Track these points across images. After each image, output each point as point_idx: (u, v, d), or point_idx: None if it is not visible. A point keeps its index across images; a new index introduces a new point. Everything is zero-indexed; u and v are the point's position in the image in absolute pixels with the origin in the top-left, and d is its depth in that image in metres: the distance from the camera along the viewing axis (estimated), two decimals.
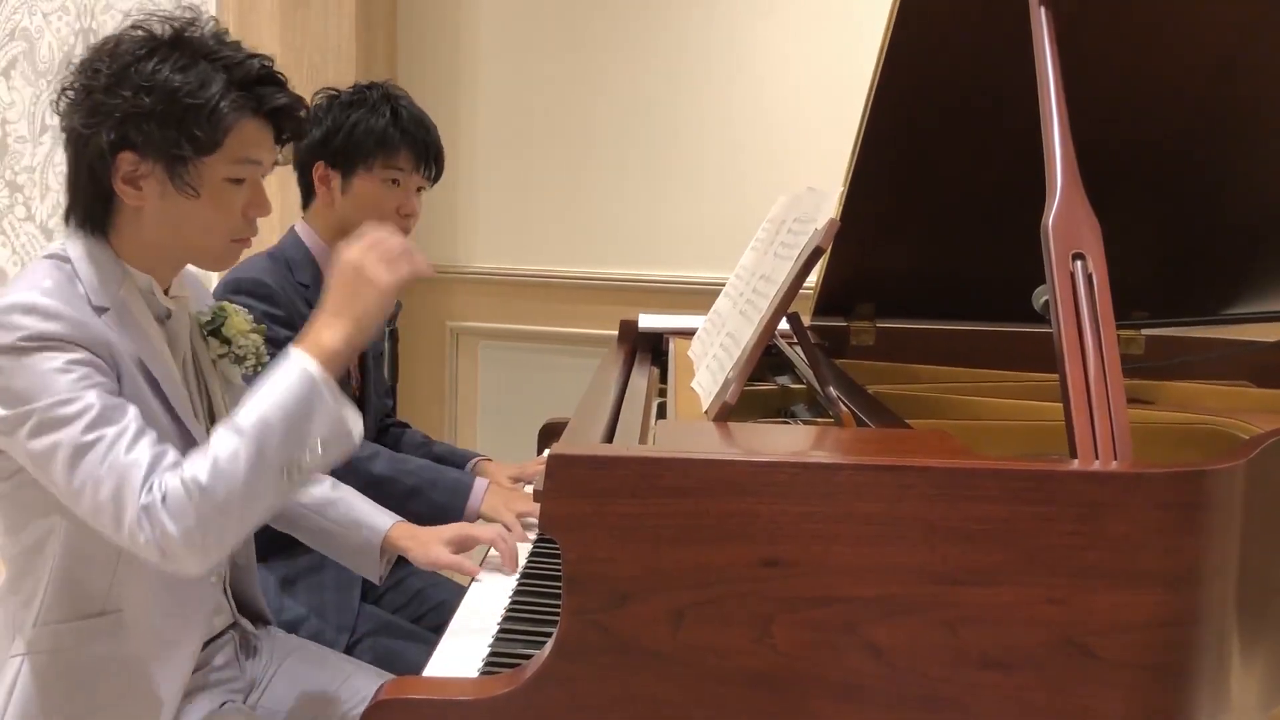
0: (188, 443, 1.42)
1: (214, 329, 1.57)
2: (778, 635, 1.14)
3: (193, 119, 1.34)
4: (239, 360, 1.59)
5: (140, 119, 1.33)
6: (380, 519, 1.75)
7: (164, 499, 1.24)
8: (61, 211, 1.46)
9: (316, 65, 3.28)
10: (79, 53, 1.42)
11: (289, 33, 3.29)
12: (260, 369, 1.59)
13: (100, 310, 1.36)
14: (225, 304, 1.60)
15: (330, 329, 1.31)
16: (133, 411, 1.31)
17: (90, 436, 1.26)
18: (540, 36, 3.46)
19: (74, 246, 1.40)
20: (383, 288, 1.33)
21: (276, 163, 1.48)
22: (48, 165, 2.83)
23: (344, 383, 2.12)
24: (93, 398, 1.28)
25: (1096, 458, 1.18)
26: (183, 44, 1.37)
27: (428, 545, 1.71)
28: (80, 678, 1.41)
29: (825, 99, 3.17)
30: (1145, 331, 2.33)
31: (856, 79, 1.99)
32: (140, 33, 1.38)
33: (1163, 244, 2.15)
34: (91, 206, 1.40)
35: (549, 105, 3.47)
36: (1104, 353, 1.23)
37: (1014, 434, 1.76)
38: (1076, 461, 1.18)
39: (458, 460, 2.28)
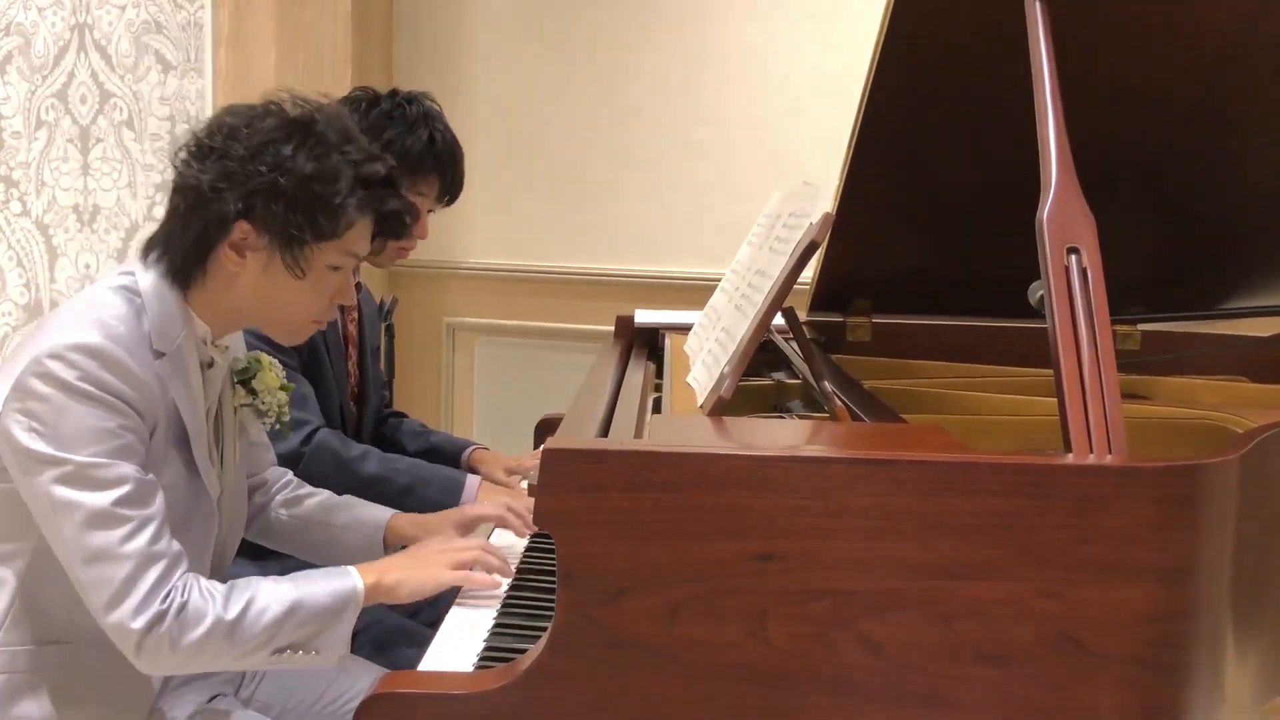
0: (198, 491, 1.45)
1: (244, 379, 1.59)
2: (772, 630, 1.14)
3: (320, 208, 1.39)
4: (260, 414, 1.60)
5: (271, 195, 1.38)
6: (377, 513, 1.75)
7: (183, 607, 1.31)
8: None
9: (312, 63, 3.28)
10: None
11: (284, 31, 3.28)
12: (281, 425, 1.63)
13: (158, 355, 1.39)
14: (261, 355, 1.62)
15: (391, 573, 1.44)
16: (160, 498, 1.35)
17: (120, 511, 1.30)
18: (536, 33, 3.46)
19: (146, 281, 1.42)
20: (435, 576, 1.47)
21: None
22: (43, 161, 2.83)
23: (343, 379, 2.12)
24: (130, 472, 1.32)
25: (1091, 452, 1.18)
26: (315, 133, 1.41)
27: (436, 531, 1.71)
28: (38, 704, 1.39)
29: (821, 95, 3.17)
30: (1141, 326, 2.33)
31: (852, 75, 1.99)
32: (275, 112, 1.42)
33: (1159, 238, 2.15)
34: (187, 260, 1.42)
35: (545, 102, 3.47)
36: (1098, 347, 1.23)
37: (1009, 429, 1.76)
38: (1071, 456, 1.18)
39: (454, 448, 2.27)
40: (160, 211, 1.53)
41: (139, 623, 1.28)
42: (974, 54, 1.77)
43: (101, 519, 1.29)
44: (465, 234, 3.57)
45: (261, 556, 1.87)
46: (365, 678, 1.67)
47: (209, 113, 3.09)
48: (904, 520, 1.13)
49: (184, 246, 1.42)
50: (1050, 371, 1.25)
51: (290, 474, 1.81)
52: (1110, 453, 1.18)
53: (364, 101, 2.08)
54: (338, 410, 2.09)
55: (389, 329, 2.61)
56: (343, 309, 2.13)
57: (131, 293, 1.41)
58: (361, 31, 3.36)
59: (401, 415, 2.40)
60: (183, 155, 1.43)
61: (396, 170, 1.50)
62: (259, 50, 3.21)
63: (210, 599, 1.32)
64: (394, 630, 2.02)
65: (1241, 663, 1.31)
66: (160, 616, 1.29)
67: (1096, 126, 1.61)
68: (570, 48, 3.43)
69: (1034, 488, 1.12)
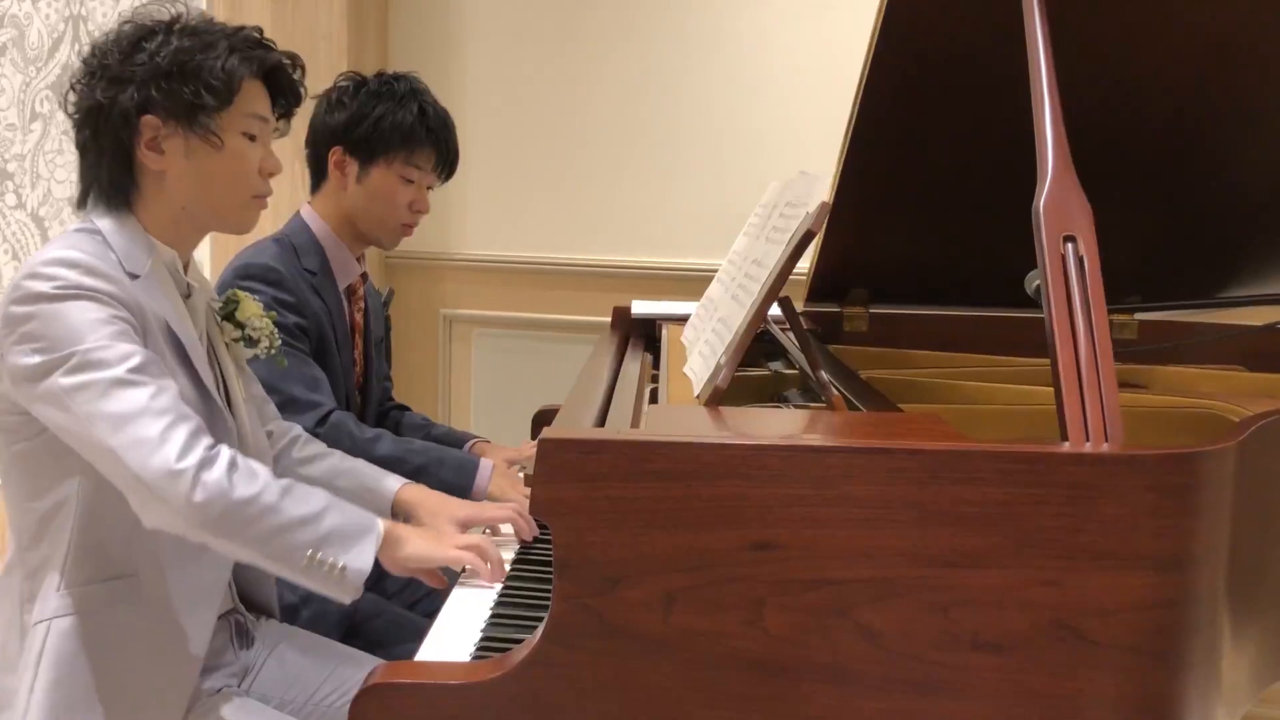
0: (211, 409, 1.47)
1: (227, 314, 1.63)
2: (769, 619, 1.14)
3: (207, 73, 1.44)
4: (253, 343, 1.64)
5: (159, 78, 1.42)
6: (389, 481, 1.77)
7: (234, 461, 1.33)
8: (73, 199, 1.52)
9: (307, 52, 3.23)
10: (68, 39, 1.47)
11: (280, 19, 3.28)
12: (273, 352, 1.66)
13: (133, 277, 1.42)
14: (236, 290, 1.66)
15: (408, 537, 1.48)
16: (171, 379, 1.38)
17: (136, 377, 1.32)
18: (532, 23, 3.45)
19: (100, 220, 1.45)
20: (439, 550, 1.51)
21: (278, 130, 1.57)
22: (38, 152, 2.82)
23: (350, 367, 2.13)
24: (135, 348, 1.35)
25: (1088, 441, 1.18)
26: (179, 24, 1.47)
27: (437, 517, 1.72)
28: (107, 641, 1.42)
29: (817, 84, 3.16)
30: (1138, 315, 2.33)
31: (848, 64, 1.99)
32: (134, 23, 1.47)
33: (1156, 227, 2.15)
34: (115, 179, 1.46)
35: (541, 92, 3.46)
36: (1095, 336, 1.23)
37: (1007, 418, 1.76)
38: (1068, 444, 1.18)
39: (455, 442, 2.27)
40: None
41: (188, 460, 1.29)
42: (970, 42, 1.76)
43: (120, 385, 1.31)
44: (461, 225, 3.56)
45: None
46: (362, 669, 1.67)
47: None
48: (901, 509, 1.12)
49: (108, 168, 1.45)
50: (1047, 361, 1.25)
51: (298, 428, 1.83)
52: (1107, 441, 1.18)
53: (352, 85, 2.12)
54: (343, 398, 2.10)
55: (385, 321, 2.61)
56: (350, 296, 2.15)
57: (91, 230, 1.44)
58: (357, 23, 3.35)
59: (404, 408, 2.40)
60: (71, 97, 1.48)
61: (265, 38, 1.53)
62: None
63: (259, 467, 1.36)
64: (391, 621, 2.03)
65: (1238, 650, 1.31)
66: (210, 461, 1.31)
67: (1093, 115, 1.61)
68: (566, 38, 3.42)
69: (1031, 476, 1.12)
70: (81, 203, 1.49)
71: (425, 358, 3.63)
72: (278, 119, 1.56)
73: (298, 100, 1.57)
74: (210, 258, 3.36)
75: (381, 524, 1.43)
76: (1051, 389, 1.24)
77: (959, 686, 1.14)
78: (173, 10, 1.50)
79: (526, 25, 3.45)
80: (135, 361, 1.33)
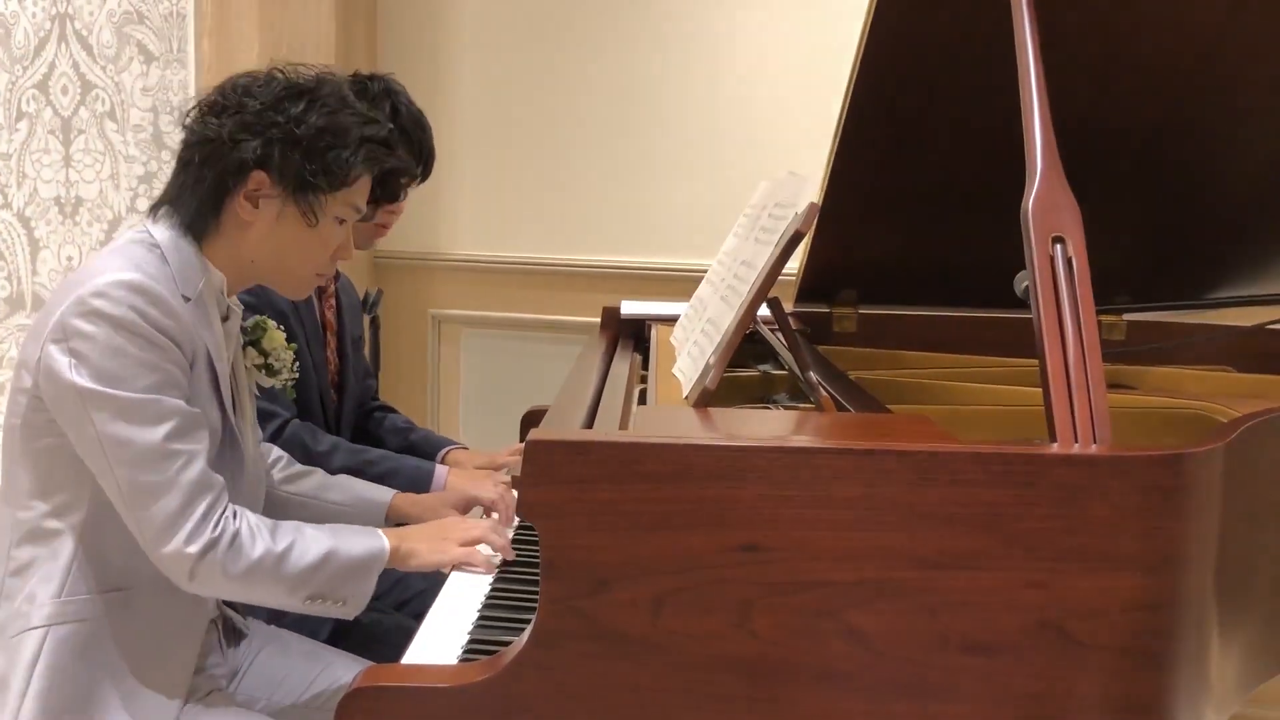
0: (231, 438, 1.50)
1: (253, 340, 1.65)
2: (758, 621, 1.14)
3: (331, 158, 1.46)
4: (273, 373, 1.66)
5: (288, 144, 1.45)
6: (380, 493, 1.81)
7: (235, 535, 1.38)
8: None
9: (295, 52, 3.25)
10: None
11: (268, 18, 3.26)
12: (289, 384, 1.70)
13: (185, 299, 1.44)
14: (264, 318, 1.68)
15: (407, 543, 1.53)
16: (205, 432, 1.41)
17: (170, 446, 1.36)
18: (522, 23, 3.45)
19: (160, 235, 1.46)
20: (444, 551, 1.57)
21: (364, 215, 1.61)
22: (24, 152, 2.81)
23: (323, 366, 2.12)
24: (177, 406, 1.38)
25: (1076, 442, 1.18)
26: (322, 95, 1.49)
27: (435, 510, 1.78)
28: (101, 650, 1.43)
29: (806, 85, 3.16)
30: (1127, 316, 2.33)
31: (837, 65, 1.99)
32: (281, 78, 1.50)
33: (1145, 228, 2.16)
34: (200, 212, 1.47)
35: (531, 92, 3.46)
36: (1083, 336, 1.23)
37: (995, 419, 1.76)
38: (1056, 446, 1.18)
39: (432, 448, 2.27)
40: (144, 204, 1.55)
41: (193, 548, 1.35)
42: (959, 43, 1.76)
43: (154, 455, 1.34)
44: (450, 225, 3.56)
45: None
46: (350, 671, 1.66)
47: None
48: (889, 511, 1.12)
49: (198, 198, 1.47)
50: (1036, 361, 1.25)
51: (277, 449, 1.84)
52: (1095, 442, 1.18)
53: None
54: (318, 398, 2.09)
55: (374, 321, 2.60)
56: (320, 294, 2.14)
57: (150, 244, 1.45)
58: (346, 22, 3.34)
59: (388, 409, 2.39)
60: (194, 114, 1.50)
61: (394, 134, 1.57)
62: (242, 42, 3.20)
63: (259, 531, 1.40)
64: (378, 622, 2.02)
65: (1226, 650, 1.31)
66: (213, 544, 1.36)
67: (1083, 114, 1.61)
68: (554, 39, 3.42)
69: (1019, 477, 1.12)
70: (158, 209, 1.50)
71: (414, 358, 3.63)
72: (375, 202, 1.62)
73: (394, 200, 1.65)
74: None
75: (387, 547, 1.47)
76: (1040, 390, 1.24)
77: (947, 688, 1.14)
78: (319, 72, 1.52)
79: (515, 25, 3.45)
80: (173, 425, 1.36)
